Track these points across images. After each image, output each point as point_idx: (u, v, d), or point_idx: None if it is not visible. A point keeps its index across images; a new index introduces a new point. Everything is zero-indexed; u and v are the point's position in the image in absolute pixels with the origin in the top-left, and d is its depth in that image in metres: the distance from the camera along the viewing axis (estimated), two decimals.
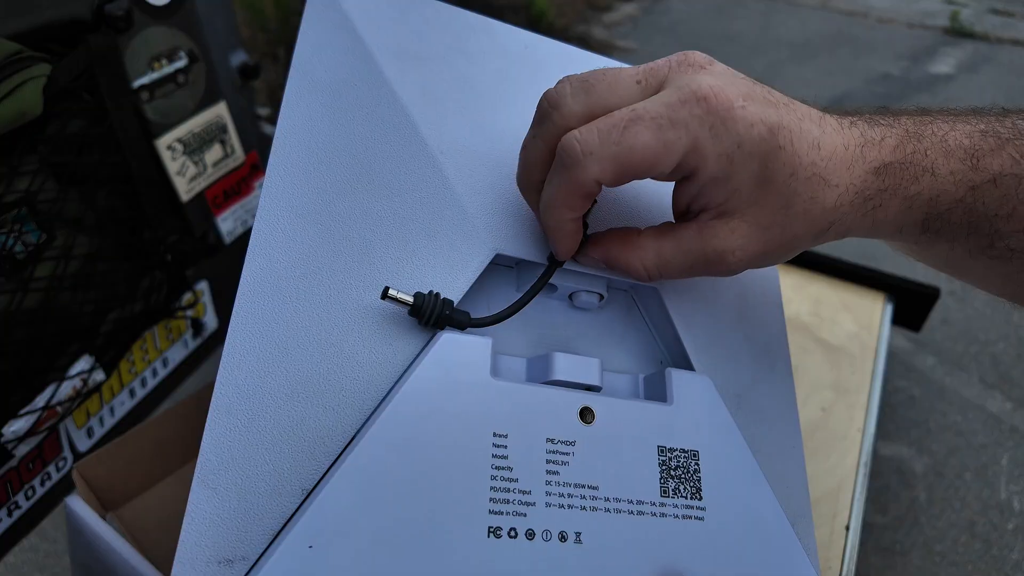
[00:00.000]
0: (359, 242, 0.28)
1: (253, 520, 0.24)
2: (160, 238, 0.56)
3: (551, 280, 0.32)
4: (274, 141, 0.29)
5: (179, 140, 0.56)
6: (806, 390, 0.60)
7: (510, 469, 0.26)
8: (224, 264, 0.65)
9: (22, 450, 0.49)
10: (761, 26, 3.76)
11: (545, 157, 0.27)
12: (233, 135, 0.62)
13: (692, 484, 0.29)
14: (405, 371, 0.27)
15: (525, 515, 0.25)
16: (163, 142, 0.55)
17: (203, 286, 0.64)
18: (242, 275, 0.27)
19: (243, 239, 0.66)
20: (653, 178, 0.26)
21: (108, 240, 0.52)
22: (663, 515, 0.28)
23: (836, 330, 0.68)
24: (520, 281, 0.33)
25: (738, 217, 0.27)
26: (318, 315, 0.27)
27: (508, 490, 0.26)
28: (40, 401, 0.48)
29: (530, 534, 0.25)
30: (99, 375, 0.52)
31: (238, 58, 0.66)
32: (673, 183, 0.28)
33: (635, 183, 0.32)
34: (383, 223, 0.29)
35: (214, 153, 0.60)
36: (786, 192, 0.26)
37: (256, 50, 2.66)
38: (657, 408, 0.30)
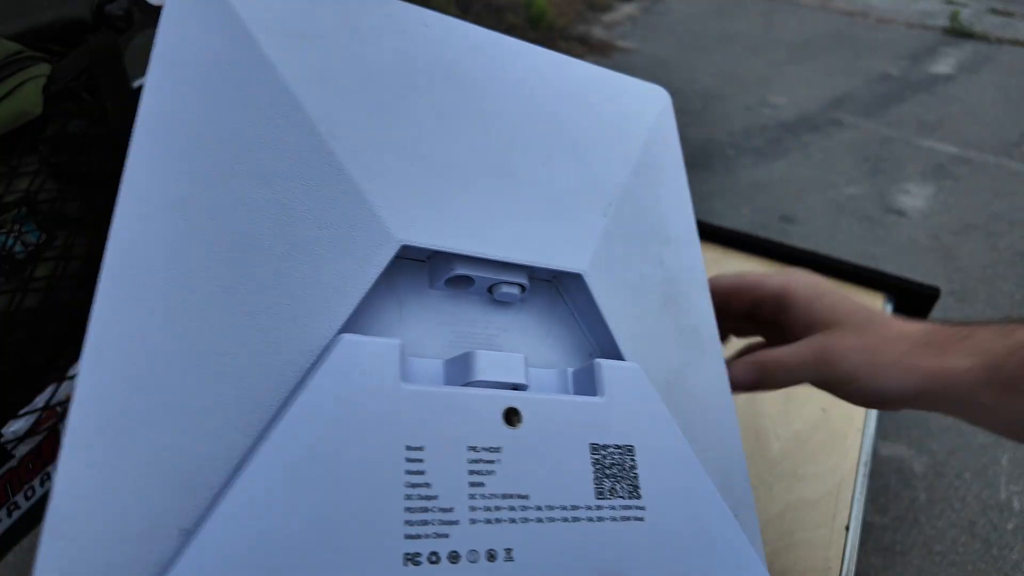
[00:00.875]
0: (238, 237, 0.25)
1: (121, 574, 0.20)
2: None
3: (467, 273, 0.29)
4: (133, 133, 0.26)
5: None
6: (806, 390, 0.60)
7: (428, 486, 0.23)
8: None
9: (22, 450, 0.49)
10: (761, 26, 3.76)
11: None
12: None
13: (629, 482, 0.27)
14: (299, 383, 0.23)
15: (447, 535, 0.23)
16: None
17: None
18: (98, 282, 0.23)
19: None
20: None
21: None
22: (600, 519, 0.26)
23: None
24: (434, 276, 0.30)
25: None
26: (190, 324, 0.23)
27: (426, 510, 0.23)
28: (40, 401, 0.48)
29: (454, 557, 0.23)
30: None
31: None
32: None
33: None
34: (265, 214, 0.25)
35: None
36: None
37: None
38: (588, 403, 0.28)
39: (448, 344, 0.30)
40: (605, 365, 0.29)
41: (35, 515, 0.52)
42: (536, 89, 0.36)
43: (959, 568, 1.21)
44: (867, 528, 1.22)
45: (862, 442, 0.57)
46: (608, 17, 3.75)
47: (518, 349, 0.31)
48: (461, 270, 0.29)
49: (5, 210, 0.44)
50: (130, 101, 0.51)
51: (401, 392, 0.24)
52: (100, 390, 0.22)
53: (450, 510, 0.23)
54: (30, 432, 0.47)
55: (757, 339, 0.43)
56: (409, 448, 0.23)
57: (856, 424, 0.58)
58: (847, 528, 0.49)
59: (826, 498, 0.51)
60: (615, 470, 0.27)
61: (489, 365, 0.27)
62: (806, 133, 2.65)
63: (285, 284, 0.25)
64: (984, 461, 1.35)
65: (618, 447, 0.28)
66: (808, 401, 0.59)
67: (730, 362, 0.38)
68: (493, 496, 0.24)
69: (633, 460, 0.28)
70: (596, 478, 0.27)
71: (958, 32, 3.75)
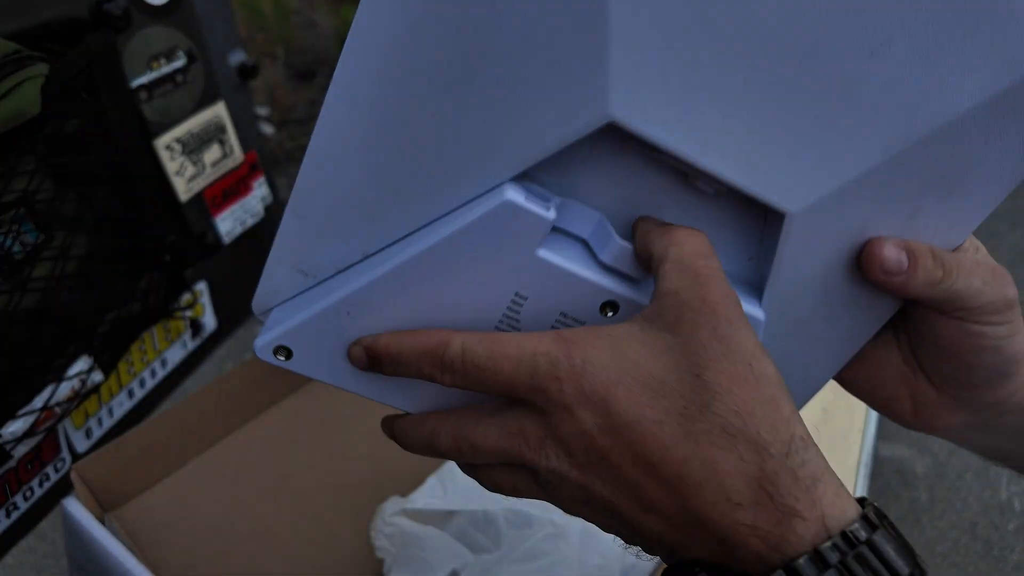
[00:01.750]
0: (460, 52, 0.24)
1: (322, 255, 0.27)
2: (158, 238, 0.56)
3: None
4: None
5: (177, 140, 0.56)
6: None
7: (517, 323, 0.27)
8: (223, 264, 0.65)
9: (20, 451, 0.49)
10: None
11: None
12: (232, 135, 0.62)
13: None
14: (455, 213, 0.26)
15: None
16: (161, 142, 0.55)
17: (202, 286, 0.64)
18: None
19: (242, 239, 0.66)
20: None
21: (106, 240, 0.52)
22: None
23: None
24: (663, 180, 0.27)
25: None
26: (393, 127, 0.25)
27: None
28: (38, 402, 0.47)
29: None
30: (97, 376, 0.52)
31: (237, 58, 0.66)
32: None
33: None
34: (495, 37, 0.23)
35: (213, 153, 0.60)
36: None
37: (255, 50, 2.66)
38: None
39: (614, 201, 0.28)
40: None
41: (34, 515, 0.52)
42: None
43: (960, 569, 1.21)
44: None
45: (862, 442, 0.57)
46: None
47: None
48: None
49: (3, 210, 0.44)
50: (128, 101, 0.51)
51: (532, 257, 0.26)
52: (341, 128, 0.25)
53: None
54: (28, 433, 0.47)
55: None
56: (516, 295, 0.26)
57: (856, 424, 0.58)
58: None
59: None
60: None
61: (619, 255, 0.26)
62: None
63: (481, 115, 0.25)
64: (985, 462, 1.36)
65: None
66: (809, 401, 0.59)
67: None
68: None
69: None
70: None
71: None
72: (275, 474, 0.51)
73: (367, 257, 0.27)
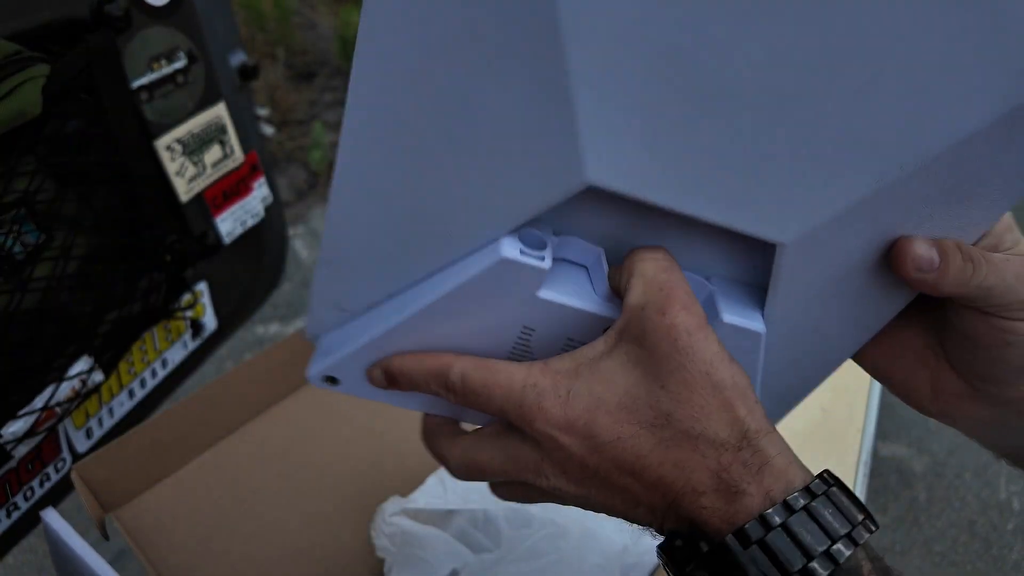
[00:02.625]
0: (452, 118, 0.25)
1: (353, 295, 0.30)
2: (159, 239, 0.56)
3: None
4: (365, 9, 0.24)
5: (178, 140, 0.56)
6: None
7: (529, 351, 0.29)
8: (223, 265, 0.65)
9: (21, 451, 0.49)
10: None
11: None
12: (232, 136, 0.62)
13: None
14: (454, 265, 0.28)
15: None
16: (162, 142, 0.55)
17: (202, 287, 0.64)
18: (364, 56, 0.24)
19: (242, 239, 0.66)
20: None
21: (107, 240, 0.52)
22: None
23: None
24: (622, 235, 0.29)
25: None
26: (400, 175, 0.26)
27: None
28: (39, 402, 0.48)
29: None
30: (98, 376, 0.52)
31: (237, 58, 0.66)
32: None
33: None
34: (482, 104, 0.24)
35: (213, 154, 0.60)
36: None
37: (255, 50, 2.66)
38: None
39: (619, 232, 0.29)
40: (729, 327, 0.28)
41: (35, 515, 0.52)
42: None
43: (959, 568, 1.21)
44: None
45: (862, 442, 0.57)
46: None
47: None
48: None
49: (4, 210, 0.44)
50: (129, 101, 0.51)
51: (534, 298, 0.27)
52: (360, 171, 0.27)
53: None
54: (29, 433, 0.47)
55: None
56: (524, 327, 0.28)
57: (855, 424, 0.58)
58: None
59: None
60: None
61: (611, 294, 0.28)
62: None
63: (471, 180, 0.26)
64: (984, 461, 1.35)
65: None
66: (808, 401, 0.59)
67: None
68: None
69: None
70: None
71: None
72: (275, 474, 0.51)
73: (392, 297, 0.29)
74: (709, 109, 0.24)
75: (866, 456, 0.56)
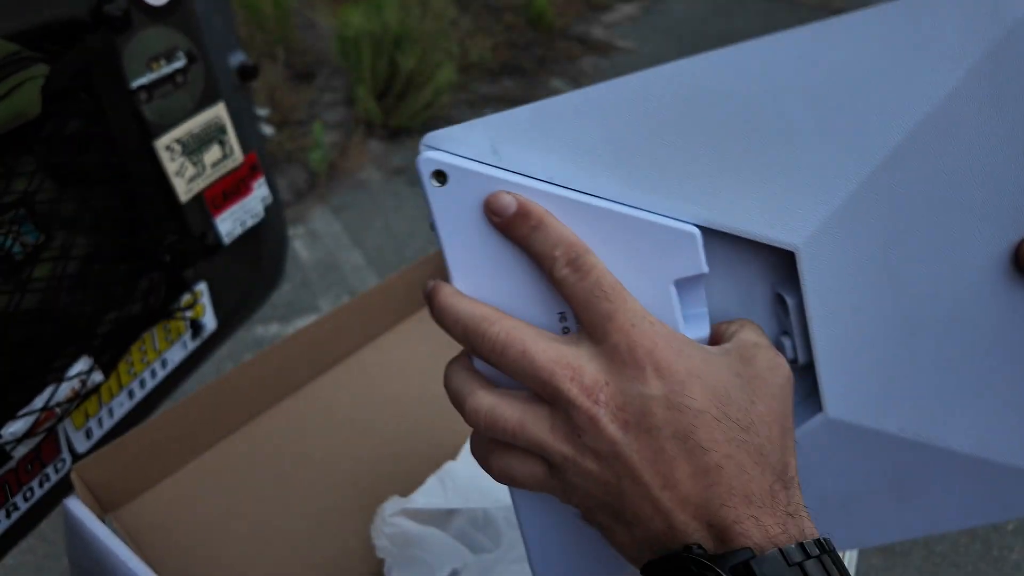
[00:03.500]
0: None
1: (521, 154, 0.29)
2: (158, 239, 0.56)
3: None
4: None
5: (177, 141, 0.56)
6: None
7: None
8: (223, 265, 0.65)
9: (20, 452, 0.49)
10: (762, 26, 3.76)
11: None
12: (232, 136, 0.62)
13: None
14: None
15: None
16: (161, 143, 0.55)
17: (202, 287, 0.64)
18: None
19: (242, 240, 0.66)
20: None
21: (106, 241, 0.52)
22: None
23: None
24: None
25: None
26: None
27: None
28: (38, 402, 0.47)
29: None
30: (97, 376, 0.52)
31: (237, 58, 0.66)
32: None
33: None
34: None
35: (213, 154, 0.60)
36: None
37: (255, 50, 2.66)
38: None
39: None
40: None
41: (34, 516, 0.52)
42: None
43: (959, 569, 1.21)
44: None
45: None
46: (608, 17, 3.75)
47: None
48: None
49: (3, 211, 0.44)
50: (128, 101, 0.51)
51: (665, 282, 0.29)
52: None
53: None
54: (28, 433, 0.47)
55: None
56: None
57: None
58: None
59: None
60: None
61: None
62: None
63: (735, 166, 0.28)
64: None
65: None
66: None
67: None
68: None
69: None
70: None
71: None
72: (275, 474, 0.51)
73: (551, 184, 0.28)
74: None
75: None
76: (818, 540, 0.24)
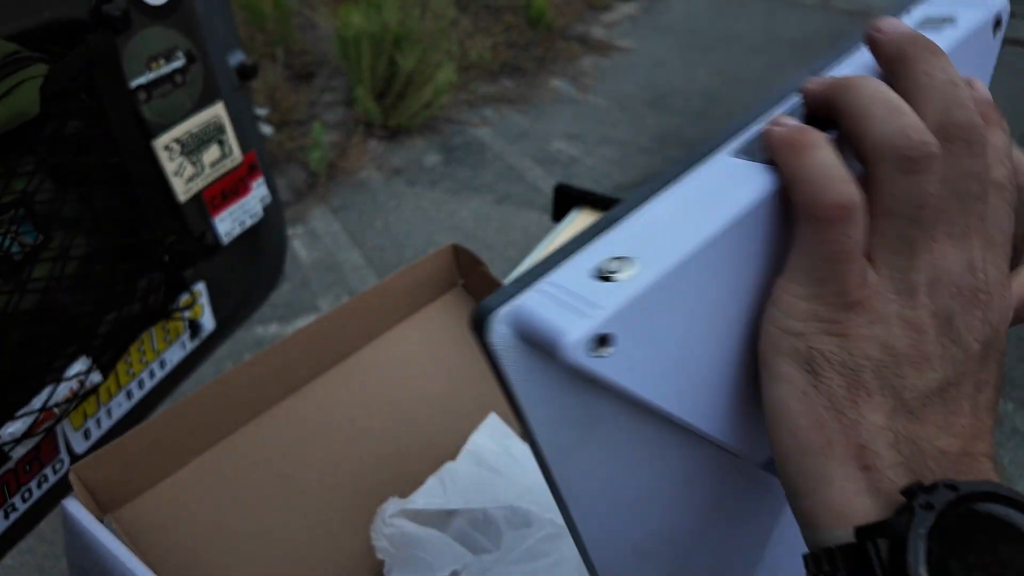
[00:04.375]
0: None
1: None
2: (157, 239, 0.56)
3: None
4: None
5: (177, 140, 0.56)
6: None
7: None
8: (222, 265, 0.65)
9: (19, 452, 0.49)
10: (762, 26, 3.76)
11: None
12: (231, 135, 0.62)
13: None
14: None
15: None
16: (160, 142, 0.54)
17: (200, 287, 0.64)
18: None
19: (241, 240, 0.66)
20: None
21: (105, 241, 0.52)
22: None
23: None
24: None
25: None
26: None
27: None
28: (37, 403, 0.47)
29: None
30: (96, 377, 0.52)
31: (236, 58, 0.66)
32: None
33: None
34: None
35: (212, 153, 0.60)
36: None
37: (254, 50, 2.66)
38: None
39: None
40: None
41: (33, 517, 0.52)
42: None
43: None
44: None
45: None
46: (607, 17, 3.75)
47: None
48: None
49: (2, 211, 0.44)
50: (127, 101, 0.51)
51: None
52: None
53: None
54: (27, 434, 0.47)
55: None
56: None
57: None
58: None
59: None
60: None
61: None
62: None
63: None
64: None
65: None
66: None
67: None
68: None
69: None
70: None
71: None
72: (275, 475, 0.51)
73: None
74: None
75: None
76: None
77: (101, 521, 0.43)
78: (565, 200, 0.90)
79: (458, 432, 0.53)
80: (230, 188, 0.63)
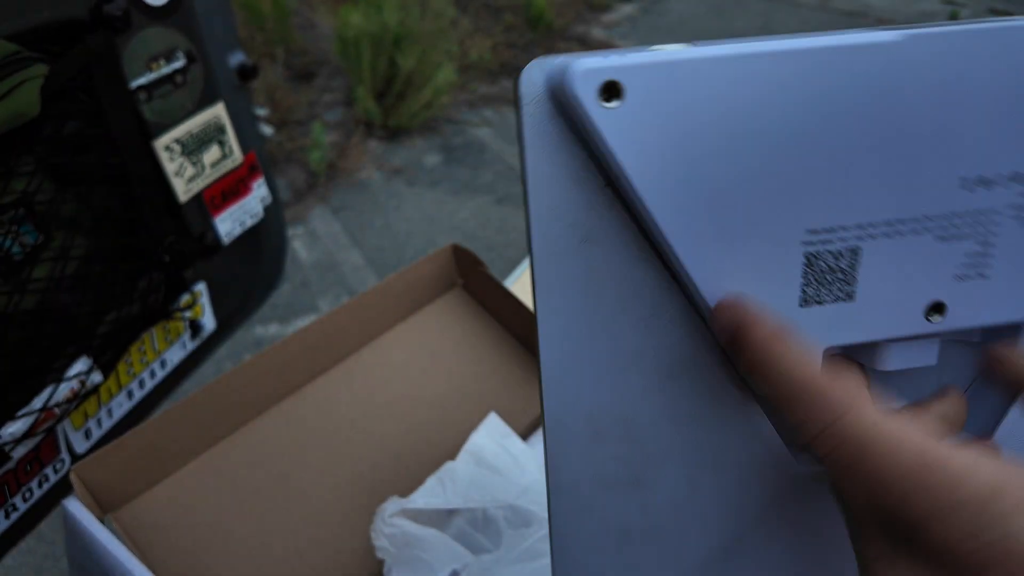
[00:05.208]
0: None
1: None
2: (158, 239, 0.56)
3: None
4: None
5: (177, 141, 0.56)
6: None
7: None
8: (222, 265, 0.65)
9: (19, 452, 0.49)
10: (761, 26, 3.76)
11: None
12: (231, 136, 0.62)
13: None
14: None
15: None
16: (161, 143, 0.55)
17: (201, 287, 0.64)
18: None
19: (241, 240, 0.66)
20: None
21: (105, 241, 0.52)
22: None
23: None
24: None
25: None
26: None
27: None
28: (37, 403, 0.47)
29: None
30: (97, 377, 0.52)
31: (236, 58, 0.66)
32: None
33: None
34: None
35: (212, 154, 0.60)
36: None
37: (254, 50, 2.66)
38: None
39: None
40: None
41: (33, 517, 0.52)
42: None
43: None
44: None
45: None
46: (607, 17, 3.75)
47: None
48: None
49: (2, 211, 0.44)
50: (127, 101, 0.51)
51: None
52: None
53: None
54: (27, 434, 0.47)
55: None
56: None
57: None
58: None
59: None
60: None
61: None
62: None
63: None
64: None
65: None
66: None
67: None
68: None
69: None
70: None
71: None
72: (275, 475, 0.51)
73: None
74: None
75: None
76: None
77: (102, 521, 0.44)
78: None
79: (458, 432, 0.53)
80: (230, 188, 0.63)
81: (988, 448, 0.22)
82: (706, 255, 0.22)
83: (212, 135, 0.60)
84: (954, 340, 0.26)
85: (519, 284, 0.69)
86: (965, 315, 0.24)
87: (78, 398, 0.50)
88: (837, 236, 0.23)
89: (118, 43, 0.50)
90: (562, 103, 0.21)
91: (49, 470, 0.53)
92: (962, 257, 0.23)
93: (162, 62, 0.54)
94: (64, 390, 0.49)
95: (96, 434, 0.56)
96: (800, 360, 0.21)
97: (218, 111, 0.60)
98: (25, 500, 0.51)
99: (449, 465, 0.51)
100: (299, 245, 2.06)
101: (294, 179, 2.30)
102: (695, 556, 0.26)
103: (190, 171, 0.58)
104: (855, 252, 0.23)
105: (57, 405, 0.49)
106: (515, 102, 0.21)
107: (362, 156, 2.43)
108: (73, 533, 0.42)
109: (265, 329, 1.75)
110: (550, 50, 3.27)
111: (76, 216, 0.49)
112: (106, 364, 0.53)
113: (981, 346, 0.26)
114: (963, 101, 0.22)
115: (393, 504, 0.48)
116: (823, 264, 0.23)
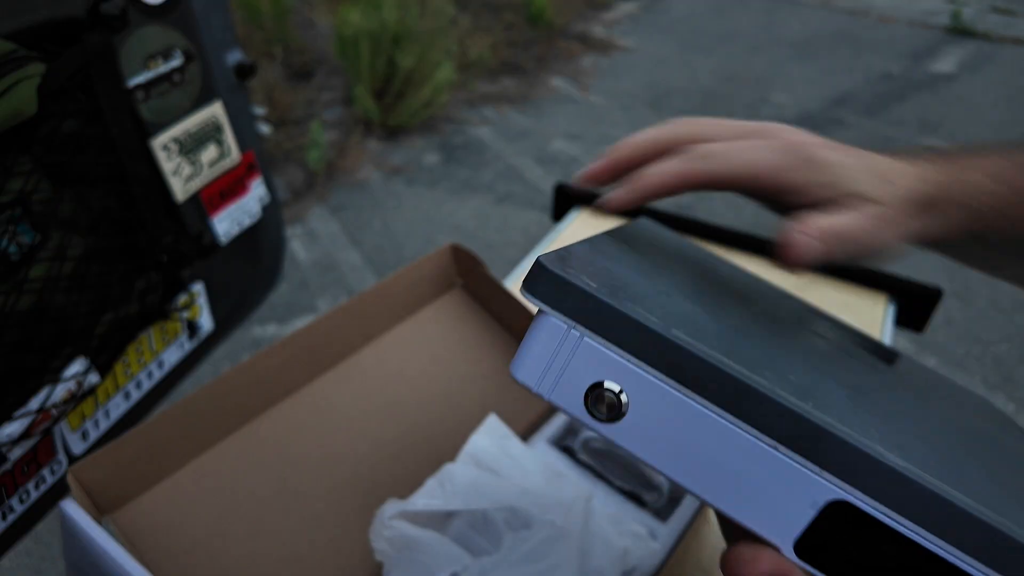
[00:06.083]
0: None
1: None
2: (155, 239, 0.55)
3: None
4: None
5: (174, 140, 0.56)
6: None
7: None
8: (220, 265, 0.65)
9: (16, 453, 0.49)
10: (762, 24, 3.76)
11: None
12: (229, 135, 0.61)
13: None
14: None
15: None
16: (158, 142, 0.54)
17: (199, 287, 0.64)
18: None
19: (239, 240, 0.65)
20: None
21: (103, 241, 0.51)
22: None
23: None
24: None
25: None
26: None
27: None
28: (34, 404, 0.47)
29: None
30: (94, 377, 0.51)
31: (234, 57, 0.66)
32: None
33: None
34: None
35: (210, 153, 0.60)
36: None
37: (252, 49, 2.66)
38: None
39: None
40: None
41: (30, 519, 0.52)
42: None
43: None
44: None
45: None
46: (608, 15, 3.75)
47: None
48: None
49: None
50: (125, 100, 0.51)
51: None
52: None
53: None
54: (24, 435, 0.47)
55: None
56: None
57: None
58: None
59: None
60: None
61: None
62: None
63: None
64: None
65: None
66: None
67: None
68: None
69: None
70: None
71: (960, 31, 3.75)
72: (273, 476, 0.51)
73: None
74: None
75: None
76: None
77: (99, 523, 0.43)
78: (565, 200, 0.90)
79: (457, 433, 0.52)
80: (228, 188, 0.63)
81: None
82: None
83: (210, 134, 0.59)
84: None
85: (519, 284, 0.69)
86: None
87: (75, 399, 0.50)
88: None
89: (116, 42, 0.49)
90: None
91: (46, 471, 0.52)
92: None
93: (160, 61, 0.53)
94: (61, 391, 0.49)
95: (93, 435, 0.56)
96: None
97: (216, 110, 0.59)
98: (22, 502, 0.50)
99: (449, 467, 0.50)
100: (297, 245, 2.06)
101: (292, 178, 2.30)
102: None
103: (188, 170, 0.58)
104: None
105: (54, 406, 0.48)
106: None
107: (361, 155, 2.43)
108: (70, 535, 0.41)
109: (263, 329, 1.75)
110: (550, 48, 3.27)
111: (73, 216, 0.49)
112: (103, 365, 0.53)
113: None
114: None
115: (392, 506, 0.48)
116: None
